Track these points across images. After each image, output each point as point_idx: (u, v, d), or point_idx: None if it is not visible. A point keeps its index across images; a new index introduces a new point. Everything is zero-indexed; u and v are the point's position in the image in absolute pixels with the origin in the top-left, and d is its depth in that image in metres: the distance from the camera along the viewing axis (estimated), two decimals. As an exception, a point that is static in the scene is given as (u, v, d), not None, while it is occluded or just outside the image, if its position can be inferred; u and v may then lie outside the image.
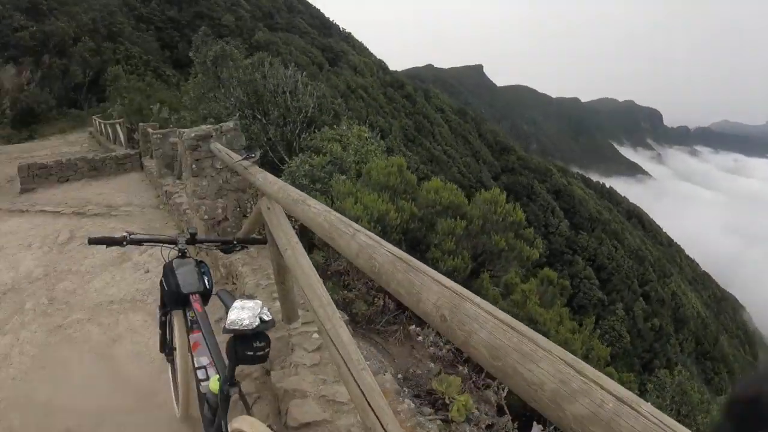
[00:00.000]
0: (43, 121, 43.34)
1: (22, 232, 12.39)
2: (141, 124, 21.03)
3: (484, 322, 1.52)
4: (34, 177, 18.63)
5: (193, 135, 7.37)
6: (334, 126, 14.44)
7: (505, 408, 5.20)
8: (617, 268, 77.75)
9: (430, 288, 1.80)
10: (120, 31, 66.60)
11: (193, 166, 7.45)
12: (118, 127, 26.17)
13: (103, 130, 30.99)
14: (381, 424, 2.71)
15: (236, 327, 2.53)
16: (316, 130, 14.48)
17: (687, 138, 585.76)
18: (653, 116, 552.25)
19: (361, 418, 2.98)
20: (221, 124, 7.97)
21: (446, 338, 1.74)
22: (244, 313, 2.57)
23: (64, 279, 8.97)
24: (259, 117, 15.09)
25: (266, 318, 2.60)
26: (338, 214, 2.83)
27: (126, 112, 29.00)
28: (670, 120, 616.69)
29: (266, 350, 2.69)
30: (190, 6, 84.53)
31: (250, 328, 2.53)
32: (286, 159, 13.30)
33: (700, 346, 69.30)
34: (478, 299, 1.63)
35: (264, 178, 4.55)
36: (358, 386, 2.87)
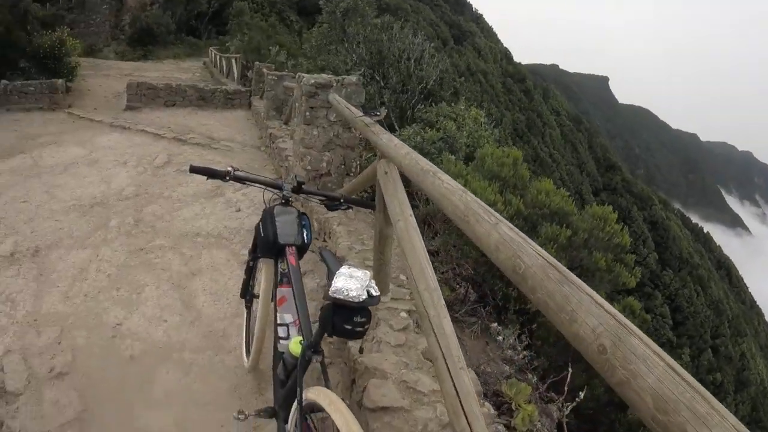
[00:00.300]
0: (159, 43, 43.77)
1: (120, 148, 12.54)
2: (257, 63, 21.06)
3: (652, 366, 1.30)
4: (142, 96, 18.82)
5: (312, 81, 7.19)
6: (452, 104, 14.11)
7: (565, 427, 4.96)
8: (694, 314, 75.45)
9: (590, 310, 1.55)
10: (253, -32, 66.33)
11: (307, 113, 7.29)
12: (233, 61, 26.39)
13: (218, 63, 31.38)
14: (472, 430, 2.45)
15: (341, 296, 2.34)
16: (433, 104, 14.19)
17: None
18: None
19: (450, 419, 2.68)
20: (343, 76, 7.75)
21: (599, 372, 1.49)
22: (352, 283, 2.39)
23: (153, 202, 8.97)
24: (378, 79, 14.88)
25: (374, 293, 2.44)
26: (476, 197, 2.59)
27: (244, 48, 29.19)
28: None
29: (366, 327, 2.53)
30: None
31: (356, 300, 2.36)
32: (397, 127, 13.09)
33: (756, 413, 66.91)
34: (644, 336, 1.40)
35: (389, 139, 4.29)
36: (454, 385, 2.61)
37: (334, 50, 17.61)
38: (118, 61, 36.40)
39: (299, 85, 7.46)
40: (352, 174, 7.61)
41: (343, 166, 7.64)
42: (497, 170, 8.35)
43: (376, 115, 4.94)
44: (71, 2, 45.20)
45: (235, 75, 25.12)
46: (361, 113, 5.20)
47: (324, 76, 7.51)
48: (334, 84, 7.22)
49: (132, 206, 8.74)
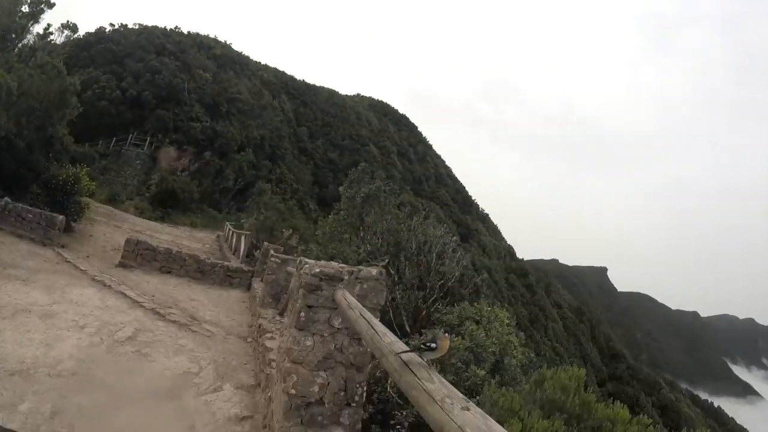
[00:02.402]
0: (180, 208, 43.12)
1: (88, 307, 10.60)
2: (266, 243, 19.19)
3: None
4: (138, 256, 17.14)
5: (317, 270, 5.13)
6: (474, 303, 11.79)
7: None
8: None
9: None
10: (282, 156, 67.46)
11: (302, 314, 5.11)
12: (243, 238, 24.93)
13: (230, 238, 30.07)
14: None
15: None
16: (453, 303, 11.89)
17: None
18: None
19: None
20: (359, 267, 5.46)
21: None
22: None
23: (90, 390, 6.69)
24: (392, 273, 12.51)
25: None
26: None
27: (257, 226, 27.64)
28: None
29: None
30: (351, 154, 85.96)
31: None
32: (408, 329, 10.74)
33: None
34: None
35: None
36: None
37: (348, 239, 15.42)
38: (135, 216, 35.66)
39: (298, 274, 5.45)
40: (354, 405, 5.21)
41: (343, 393, 5.21)
42: (559, 398, 5.73)
43: (382, 260, 2.65)
44: (108, 149, 46.20)
45: (241, 252, 23.27)
46: (398, 342, 3.37)
47: (334, 264, 5.42)
48: (346, 277, 5.19)
49: (61, 388, 6.54)
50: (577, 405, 5.98)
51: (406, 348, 3.20)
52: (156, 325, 10.46)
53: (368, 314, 4.00)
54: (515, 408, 5.55)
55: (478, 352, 8.82)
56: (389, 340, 3.33)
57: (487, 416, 2.34)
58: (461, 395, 2.54)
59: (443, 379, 2.76)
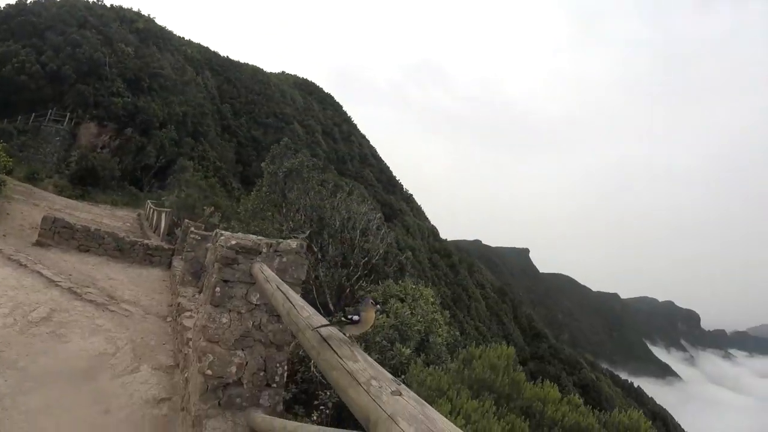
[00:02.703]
0: (100, 186, 41.97)
1: (1, 287, 10.12)
2: (186, 220, 18.76)
3: None
4: (55, 234, 16.56)
5: (233, 243, 4.85)
6: (400, 281, 11.73)
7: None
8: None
9: None
10: (205, 133, 66.16)
11: (217, 289, 4.81)
12: (163, 215, 24.43)
13: (150, 216, 29.51)
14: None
15: None
16: (379, 282, 11.81)
17: (723, 341, 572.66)
18: (691, 318, 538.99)
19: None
20: (278, 240, 5.24)
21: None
22: None
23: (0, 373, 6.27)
24: (315, 250, 12.34)
25: None
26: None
27: (178, 204, 27.02)
28: (708, 322, 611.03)
29: None
30: (275, 133, 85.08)
31: None
32: (332, 307, 10.62)
33: None
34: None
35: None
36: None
37: (270, 216, 15.13)
38: (55, 194, 34.41)
39: (214, 246, 5.21)
40: (274, 386, 4.96)
41: (263, 373, 4.93)
42: (489, 377, 5.65)
43: (303, 233, 2.39)
44: (27, 125, 44.76)
45: (161, 230, 22.71)
46: (316, 315, 3.06)
47: (252, 237, 5.13)
48: (264, 250, 4.92)
49: (-34, 373, 6.17)
50: (506, 384, 5.93)
51: (325, 321, 2.92)
52: (72, 305, 10.04)
53: (285, 287, 3.77)
54: (443, 388, 5.45)
55: (404, 330, 8.72)
56: (307, 314, 3.06)
57: (424, 402, 2.01)
58: (390, 376, 2.23)
59: (369, 358, 2.45)
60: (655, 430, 6.49)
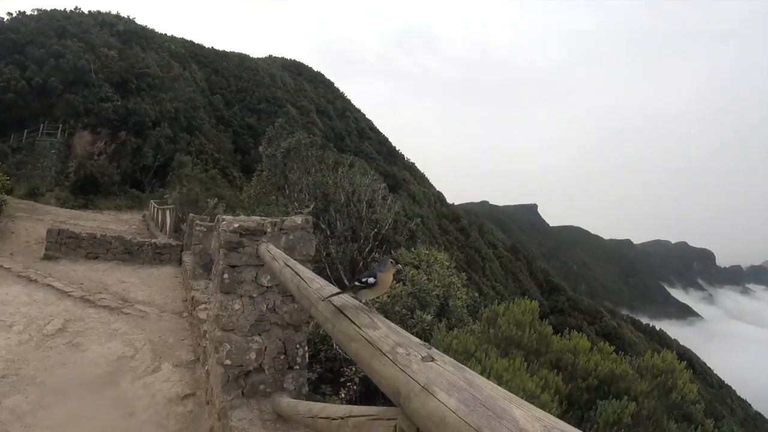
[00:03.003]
0: (102, 193, 41.88)
1: (14, 304, 10.05)
2: (191, 215, 18.39)
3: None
4: (62, 245, 16.41)
5: (236, 226, 4.64)
6: (412, 248, 11.58)
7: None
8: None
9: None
10: (199, 126, 65.93)
11: (225, 275, 4.59)
12: (167, 213, 24.39)
13: (155, 216, 29.51)
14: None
15: None
16: (391, 251, 11.67)
17: (740, 277, 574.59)
18: (705, 257, 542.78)
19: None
20: (283, 218, 4.99)
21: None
22: None
23: (20, 390, 6.23)
24: (324, 227, 12.19)
25: None
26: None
27: (180, 200, 26.75)
28: (723, 260, 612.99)
29: None
30: (270, 117, 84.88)
31: None
32: (347, 282, 10.45)
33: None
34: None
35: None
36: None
37: (275, 200, 14.98)
38: (58, 207, 34.26)
39: (217, 232, 4.91)
40: (297, 368, 4.78)
41: (283, 356, 4.75)
42: (515, 334, 5.47)
43: (306, 207, 2.10)
44: (21, 143, 44.71)
45: (168, 227, 22.73)
46: (328, 286, 2.80)
47: (255, 218, 4.93)
48: (269, 229, 4.71)
49: (-15, 391, 6.08)
50: (534, 339, 5.76)
51: (336, 290, 2.62)
52: (86, 313, 10.00)
53: (293, 262, 3.58)
54: (471, 350, 5.28)
55: (422, 296, 8.59)
56: (318, 285, 2.81)
57: (463, 366, 1.63)
58: (417, 340, 1.90)
59: (391, 323, 2.13)
60: (690, 370, 6.38)
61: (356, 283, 2.40)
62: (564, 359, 5.74)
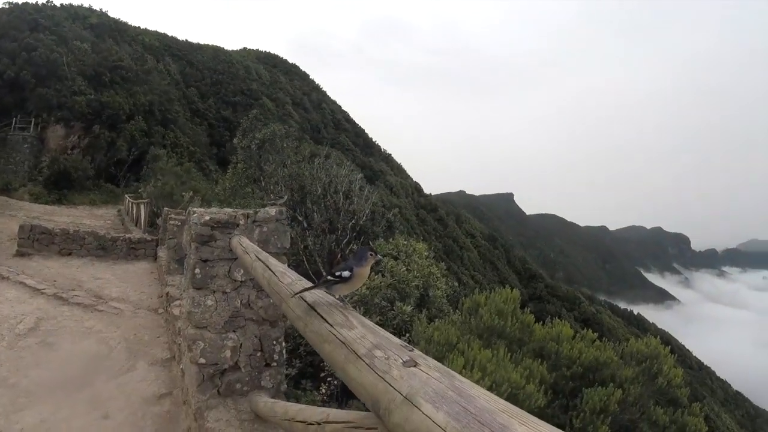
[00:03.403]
0: (76, 188, 41.56)
1: None
2: (166, 208, 18.09)
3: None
4: (35, 242, 16.13)
5: (207, 218, 4.48)
6: (390, 239, 11.49)
7: None
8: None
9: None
10: (174, 119, 65.32)
11: (197, 270, 4.45)
12: (141, 207, 24.04)
13: (130, 210, 29.19)
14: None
15: None
16: (369, 242, 11.53)
17: (715, 260, 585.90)
18: (681, 241, 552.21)
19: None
20: (257, 209, 4.84)
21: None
22: None
23: None
24: (300, 219, 12.04)
25: None
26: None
27: (155, 194, 26.42)
28: (698, 244, 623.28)
29: None
30: (245, 110, 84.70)
31: None
32: (324, 273, 10.27)
33: (735, 468, 65.57)
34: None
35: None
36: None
37: (250, 192, 14.81)
38: (31, 202, 34.25)
39: (188, 225, 4.74)
40: (274, 364, 4.66)
41: (260, 353, 4.63)
42: (498, 324, 5.36)
43: (280, 197, 1.93)
44: None
45: (142, 222, 22.17)
46: (300, 281, 2.63)
47: (227, 210, 4.81)
48: (242, 221, 4.55)
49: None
50: (516, 329, 5.67)
51: (308, 284, 2.45)
52: (59, 311, 9.76)
53: (264, 255, 3.45)
54: (453, 341, 5.17)
55: (401, 287, 8.52)
56: (289, 280, 2.69)
57: (451, 372, 1.43)
58: (398, 341, 1.70)
59: (367, 321, 1.95)
60: (674, 355, 6.35)
61: (329, 277, 2.25)
62: (547, 348, 5.67)
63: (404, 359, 1.50)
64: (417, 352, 1.57)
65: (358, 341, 1.74)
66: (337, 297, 2.22)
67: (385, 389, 1.42)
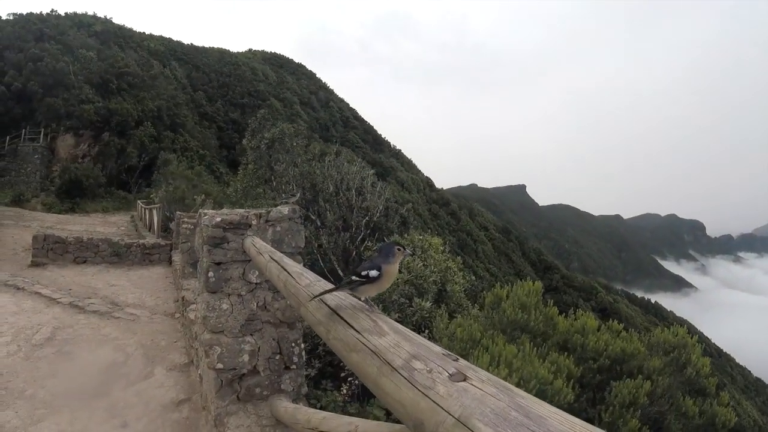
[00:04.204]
0: (88, 196, 41.55)
1: (1, 315, 9.74)
2: (179, 213, 18.01)
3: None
4: (48, 251, 16.10)
5: (218, 220, 4.37)
6: (404, 234, 11.35)
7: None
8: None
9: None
10: (182, 123, 65.54)
11: (210, 273, 4.36)
12: (154, 212, 24.08)
13: (143, 216, 29.25)
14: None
15: None
16: (383, 239, 11.42)
17: (731, 246, 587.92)
18: (696, 228, 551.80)
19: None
20: (269, 209, 4.68)
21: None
22: None
23: (9, 405, 5.97)
24: (313, 218, 11.92)
25: None
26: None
27: (167, 198, 26.35)
28: (713, 230, 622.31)
29: None
30: (253, 111, 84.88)
31: None
32: (341, 273, 10.25)
33: (755, 456, 65.20)
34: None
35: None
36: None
37: (262, 193, 14.70)
38: (44, 212, 34.08)
39: (200, 228, 4.67)
40: (294, 367, 4.55)
41: (278, 356, 4.52)
42: (521, 317, 5.22)
43: (293, 196, 1.78)
44: (4, 149, 44.08)
45: (156, 227, 22.40)
46: (319, 282, 2.44)
47: (239, 210, 4.65)
48: (254, 222, 4.43)
49: (-30, 409, 5.82)
50: (540, 322, 5.51)
51: (329, 286, 2.25)
52: (76, 320, 9.71)
53: (279, 255, 3.29)
54: (476, 337, 5.01)
55: (419, 283, 8.38)
56: (307, 281, 2.49)
57: (511, 387, 1.20)
58: (439, 349, 1.46)
59: (400, 327, 1.71)
60: (702, 344, 6.21)
61: (354, 277, 2.01)
62: (572, 340, 5.52)
63: (450, 372, 1.29)
64: (463, 362, 1.35)
65: (392, 350, 1.53)
66: (363, 299, 2.01)
67: (431, 409, 1.21)
